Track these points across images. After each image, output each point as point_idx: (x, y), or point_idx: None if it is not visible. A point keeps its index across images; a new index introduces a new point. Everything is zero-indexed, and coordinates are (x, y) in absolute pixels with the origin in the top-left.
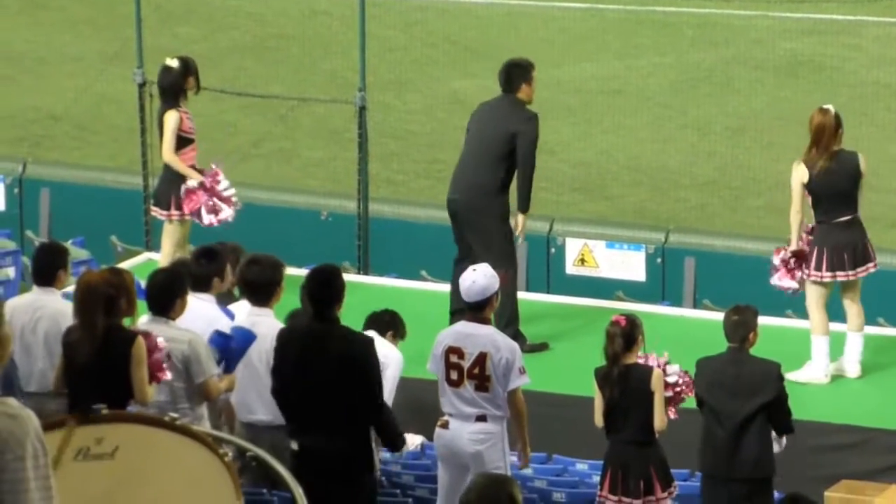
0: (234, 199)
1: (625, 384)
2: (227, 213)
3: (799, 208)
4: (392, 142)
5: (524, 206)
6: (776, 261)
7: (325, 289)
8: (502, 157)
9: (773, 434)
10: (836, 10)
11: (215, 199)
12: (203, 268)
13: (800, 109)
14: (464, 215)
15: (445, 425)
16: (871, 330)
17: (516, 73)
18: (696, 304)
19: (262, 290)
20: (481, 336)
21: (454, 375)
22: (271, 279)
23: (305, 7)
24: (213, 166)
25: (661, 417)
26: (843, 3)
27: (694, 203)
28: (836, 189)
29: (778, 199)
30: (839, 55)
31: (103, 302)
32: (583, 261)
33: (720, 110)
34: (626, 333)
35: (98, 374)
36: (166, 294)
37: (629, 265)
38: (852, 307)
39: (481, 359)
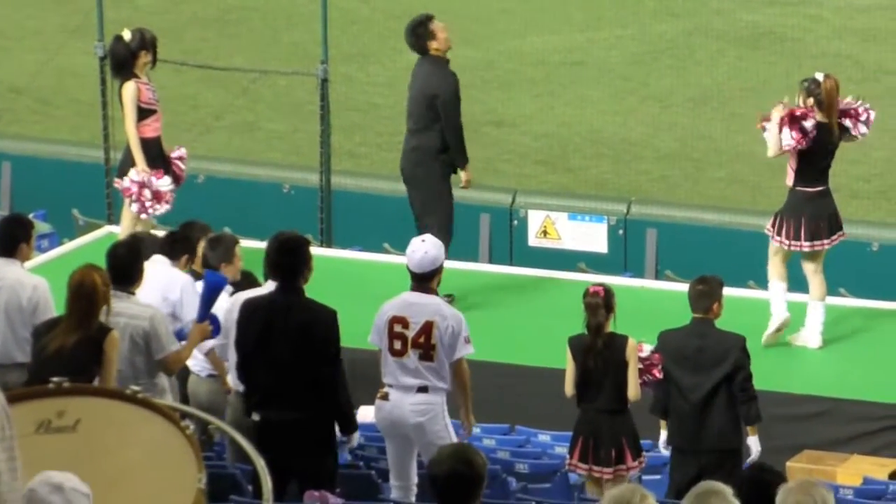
0: (168, 197)
1: (606, 353)
2: (157, 209)
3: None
4: (354, 114)
5: (462, 162)
6: (776, 115)
7: (290, 258)
8: (430, 120)
9: (747, 434)
10: None
11: (147, 193)
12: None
13: (761, 81)
14: (409, 180)
15: (385, 397)
16: (833, 300)
17: (418, 33)
18: (658, 276)
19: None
20: (427, 305)
21: (398, 345)
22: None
23: None
24: (178, 149)
25: (634, 387)
26: None
27: (656, 175)
28: (818, 159)
29: (739, 171)
30: (800, 26)
31: (104, 303)
32: (545, 233)
33: (682, 82)
34: (607, 303)
35: (68, 360)
36: (126, 268)
37: (591, 237)
38: (815, 277)
39: (427, 327)
